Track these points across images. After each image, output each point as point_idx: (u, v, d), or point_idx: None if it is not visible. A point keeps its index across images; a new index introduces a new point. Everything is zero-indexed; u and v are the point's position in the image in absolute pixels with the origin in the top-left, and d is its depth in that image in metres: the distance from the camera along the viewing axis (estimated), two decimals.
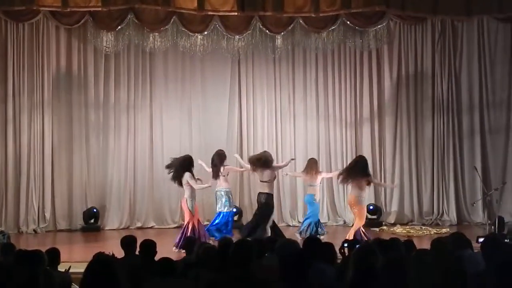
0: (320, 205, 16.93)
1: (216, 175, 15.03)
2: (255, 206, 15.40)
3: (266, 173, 14.71)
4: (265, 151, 15.47)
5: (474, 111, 17.80)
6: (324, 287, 5.66)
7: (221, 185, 15.07)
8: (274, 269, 6.67)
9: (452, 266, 6.47)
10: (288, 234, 14.68)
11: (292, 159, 16.04)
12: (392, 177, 17.74)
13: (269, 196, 14.77)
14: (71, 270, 8.03)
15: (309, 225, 15.26)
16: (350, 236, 13.59)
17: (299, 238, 14.42)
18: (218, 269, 6.88)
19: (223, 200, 15.07)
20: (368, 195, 14.57)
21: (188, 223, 13.95)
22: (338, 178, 14.49)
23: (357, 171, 14.02)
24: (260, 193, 14.79)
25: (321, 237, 13.83)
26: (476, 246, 8.40)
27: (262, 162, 14.74)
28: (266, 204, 14.71)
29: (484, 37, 17.82)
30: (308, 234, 14.76)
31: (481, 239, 10.28)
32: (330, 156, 17.98)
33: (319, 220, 15.51)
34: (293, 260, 6.07)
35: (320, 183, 15.64)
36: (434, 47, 17.80)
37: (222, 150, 15.37)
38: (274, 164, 15.16)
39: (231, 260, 6.88)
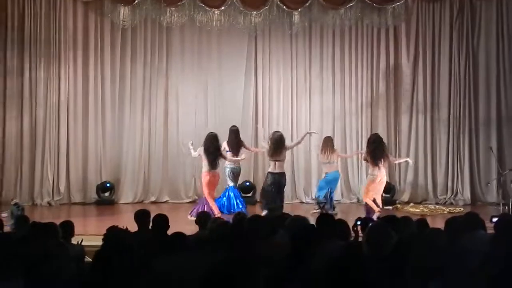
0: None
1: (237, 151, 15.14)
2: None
3: (284, 153, 14.75)
4: (277, 132, 15.35)
5: (491, 91, 17.68)
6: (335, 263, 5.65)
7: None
8: (285, 246, 6.69)
9: (465, 246, 6.44)
10: (301, 211, 14.76)
11: (309, 133, 15.97)
12: (407, 155, 17.63)
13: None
14: (83, 243, 8.08)
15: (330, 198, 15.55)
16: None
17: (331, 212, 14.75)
18: (230, 246, 6.89)
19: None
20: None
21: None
22: (366, 160, 14.60)
23: (383, 150, 14.33)
24: (281, 173, 14.75)
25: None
26: (489, 226, 8.40)
27: (283, 142, 14.71)
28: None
29: (503, 15, 17.66)
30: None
31: (495, 219, 10.25)
32: (345, 133, 17.95)
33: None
34: (304, 235, 6.06)
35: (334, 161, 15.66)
36: (452, 25, 17.68)
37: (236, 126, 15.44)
38: (288, 143, 15.16)
39: (241, 236, 6.90)
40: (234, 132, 15.21)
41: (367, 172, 15.73)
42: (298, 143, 15.76)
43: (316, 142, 16.98)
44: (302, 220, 7.60)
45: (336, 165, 15.67)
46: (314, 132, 16.23)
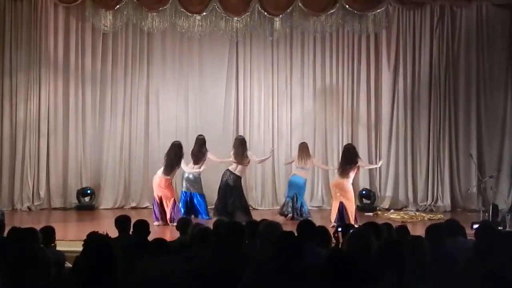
0: (315, 189, 17.11)
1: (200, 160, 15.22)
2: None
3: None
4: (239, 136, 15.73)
5: (471, 97, 17.77)
6: (317, 269, 5.66)
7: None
8: (264, 250, 6.70)
9: (446, 253, 6.47)
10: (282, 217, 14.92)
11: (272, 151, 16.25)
12: (387, 162, 17.73)
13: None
14: (64, 248, 8.05)
15: (302, 205, 15.47)
16: (352, 220, 14.06)
17: (285, 218, 15.02)
18: (212, 250, 6.89)
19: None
20: (360, 179, 14.84)
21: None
22: (339, 172, 14.71)
23: (352, 160, 14.54)
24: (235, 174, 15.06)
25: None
26: (470, 233, 8.45)
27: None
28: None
29: (483, 23, 17.75)
30: (303, 213, 15.36)
31: (475, 226, 10.31)
32: (326, 139, 17.96)
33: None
34: (282, 241, 6.06)
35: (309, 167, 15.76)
36: (433, 32, 17.75)
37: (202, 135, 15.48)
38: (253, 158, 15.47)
39: (224, 241, 6.90)
40: (199, 141, 15.26)
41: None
42: (263, 160, 16.02)
43: (296, 146, 17.00)
44: (276, 225, 7.62)
45: (307, 172, 15.72)
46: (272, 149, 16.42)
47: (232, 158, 15.06)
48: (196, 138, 15.36)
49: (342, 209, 14.36)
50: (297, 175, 15.50)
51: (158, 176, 14.75)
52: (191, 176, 15.27)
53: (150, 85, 17.68)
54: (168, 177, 14.71)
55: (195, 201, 15.36)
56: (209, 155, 15.24)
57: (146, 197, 17.45)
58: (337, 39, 18.06)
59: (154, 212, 14.67)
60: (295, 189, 15.46)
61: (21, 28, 16.68)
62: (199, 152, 15.13)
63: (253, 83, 18.01)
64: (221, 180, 15.11)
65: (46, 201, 16.98)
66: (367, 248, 6.04)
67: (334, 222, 13.95)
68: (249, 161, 15.18)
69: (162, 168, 14.75)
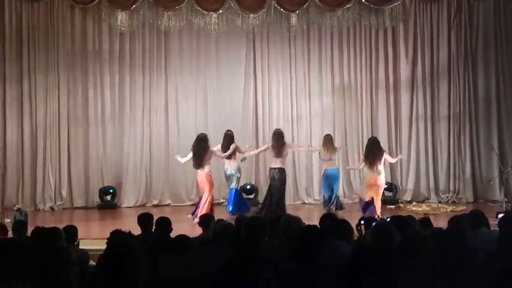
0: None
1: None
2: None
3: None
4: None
5: (491, 89, 17.68)
6: (334, 266, 5.66)
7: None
8: (284, 246, 6.71)
9: (470, 244, 6.43)
10: (304, 211, 14.94)
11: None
12: (408, 155, 17.69)
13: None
14: (87, 247, 8.09)
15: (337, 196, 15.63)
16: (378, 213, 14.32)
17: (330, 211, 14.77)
18: (234, 247, 6.90)
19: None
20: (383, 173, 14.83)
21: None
22: (366, 163, 14.80)
23: (379, 152, 14.74)
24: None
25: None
26: (493, 224, 8.40)
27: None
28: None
29: (501, 14, 17.66)
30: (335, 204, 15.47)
31: (500, 215, 10.27)
32: (346, 134, 17.91)
33: None
34: (303, 236, 6.05)
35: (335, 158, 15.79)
36: (450, 25, 17.67)
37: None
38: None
39: (242, 237, 6.91)
40: (228, 137, 15.22)
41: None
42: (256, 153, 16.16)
43: (316, 141, 17.03)
44: (296, 220, 7.62)
45: (335, 163, 15.71)
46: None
47: (270, 151, 15.00)
48: (225, 134, 15.30)
49: (371, 203, 14.52)
50: (329, 168, 15.48)
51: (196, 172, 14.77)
52: (227, 172, 15.26)
53: (169, 83, 17.73)
54: (199, 170, 14.61)
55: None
56: (242, 148, 15.35)
57: (167, 194, 17.55)
58: (354, 34, 18.03)
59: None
60: (332, 182, 15.47)
61: (38, 31, 16.79)
62: (227, 147, 15.07)
63: (271, 80, 18.01)
64: (272, 181, 14.98)
65: (68, 200, 17.09)
66: (390, 241, 6.02)
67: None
68: (287, 154, 15.16)
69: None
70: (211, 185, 14.71)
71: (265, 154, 15.92)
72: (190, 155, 14.71)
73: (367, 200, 14.68)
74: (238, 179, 15.16)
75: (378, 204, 14.66)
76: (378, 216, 13.62)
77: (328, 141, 15.46)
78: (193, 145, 14.68)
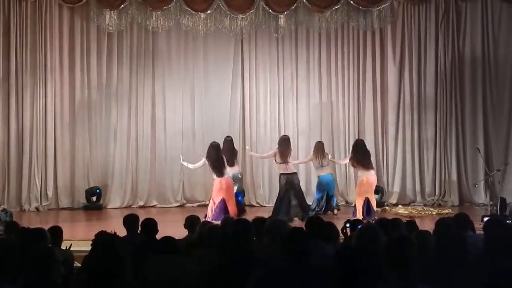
0: None
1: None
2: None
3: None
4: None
5: (477, 91, 17.74)
6: (323, 266, 5.66)
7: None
8: (271, 248, 6.70)
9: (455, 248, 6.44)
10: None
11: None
12: (394, 157, 17.75)
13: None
14: (72, 248, 8.06)
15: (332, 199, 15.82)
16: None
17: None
18: (222, 249, 6.89)
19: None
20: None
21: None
22: (361, 167, 14.84)
23: (367, 153, 14.94)
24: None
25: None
26: (478, 227, 8.43)
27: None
28: None
29: (488, 17, 17.72)
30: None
31: (486, 219, 10.30)
32: (333, 135, 17.92)
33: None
34: (292, 239, 6.05)
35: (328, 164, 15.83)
36: (438, 27, 17.72)
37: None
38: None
39: (230, 239, 6.90)
40: (228, 143, 15.27)
41: (355, 174, 15.89)
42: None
43: (303, 142, 17.09)
44: (283, 223, 7.61)
45: (329, 168, 15.75)
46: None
47: (277, 158, 15.02)
48: (224, 140, 15.32)
49: (369, 204, 14.59)
50: (323, 174, 15.55)
51: (216, 180, 14.50)
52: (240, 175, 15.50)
53: (156, 84, 17.71)
54: (222, 178, 14.43)
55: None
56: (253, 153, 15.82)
57: (154, 196, 17.53)
58: (342, 35, 18.05)
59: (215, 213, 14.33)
60: (327, 188, 15.61)
61: (26, 29, 16.71)
62: (227, 151, 15.07)
63: (258, 80, 18.01)
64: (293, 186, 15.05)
65: (54, 201, 17.02)
66: (376, 244, 6.03)
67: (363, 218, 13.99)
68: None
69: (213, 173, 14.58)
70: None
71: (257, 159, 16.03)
72: (201, 162, 14.63)
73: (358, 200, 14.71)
74: None
75: (374, 202, 14.84)
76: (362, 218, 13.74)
77: (318, 148, 15.53)
78: (211, 153, 14.47)
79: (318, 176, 15.60)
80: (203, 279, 5.68)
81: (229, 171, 14.78)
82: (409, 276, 5.15)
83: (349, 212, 15.20)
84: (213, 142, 14.68)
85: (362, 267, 5.05)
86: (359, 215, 14.21)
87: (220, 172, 14.35)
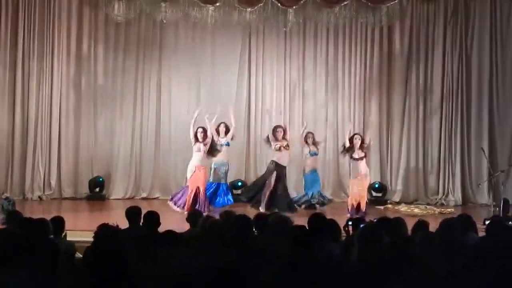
0: (326, 181, 17.10)
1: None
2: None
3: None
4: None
5: (483, 91, 17.73)
6: (331, 265, 5.65)
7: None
8: (274, 244, 6.69)
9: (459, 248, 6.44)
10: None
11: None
12: (399, 155, 17.75)
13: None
14: (74, 238, 8.07)
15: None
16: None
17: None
18: (226, 243, 6.88)
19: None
20: (367, 171, 15.17)
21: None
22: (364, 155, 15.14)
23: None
24: None
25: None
26: (481, 227, 8.41)
27: None
28: None
29: (497, 17, 17.71)
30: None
31: (488, 222, 10.28)
32: (338, 131, 17.91)
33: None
34: (296, 236, 6.05)
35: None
36: (446, 25, 17.71)
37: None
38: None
39: (232, 234, 6.90)
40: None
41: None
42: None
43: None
44: (287, 219, 7.60)
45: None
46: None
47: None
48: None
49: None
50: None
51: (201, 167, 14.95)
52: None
53: (162, 75, 17.69)
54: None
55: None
56: None
57: (157, 188, 17.53)
58: (350, 31, 18.05)
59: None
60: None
61: (34, 17, 16.69)
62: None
63: (265, 74, 18.01)
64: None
65: (57, 190, 17.02)
66: (378, 244, 6.01)
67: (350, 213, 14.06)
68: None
69: None
70: None
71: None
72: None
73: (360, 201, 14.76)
74: None
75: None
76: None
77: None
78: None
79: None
80: (207, 272, 5.66)
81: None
82: (413, 277, 5.15)
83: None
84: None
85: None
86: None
87: (212, 155, 14.87)
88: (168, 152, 17.48)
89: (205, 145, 14.80)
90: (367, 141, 15.34)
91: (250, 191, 15.52)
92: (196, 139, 14.78)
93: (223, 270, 5.20)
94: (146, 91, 17.63)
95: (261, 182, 15.31)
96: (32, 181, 16.72)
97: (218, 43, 17.82)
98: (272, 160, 15.23)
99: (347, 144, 15.00)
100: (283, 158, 15.15)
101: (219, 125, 15.45)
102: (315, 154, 15.83)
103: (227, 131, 15.46)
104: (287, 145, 15.22)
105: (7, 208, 12.22)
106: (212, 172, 15.43)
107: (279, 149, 15.12)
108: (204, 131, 14.86)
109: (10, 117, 16.68)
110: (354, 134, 15.16)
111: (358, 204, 14.69)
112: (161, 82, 17.69)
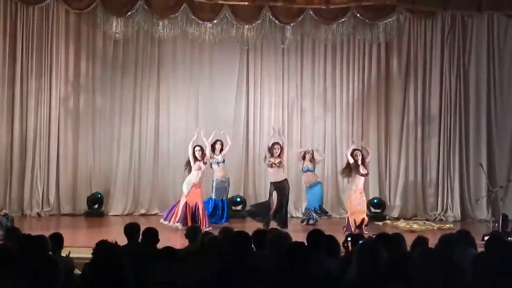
0: (324, 197, 17.10)
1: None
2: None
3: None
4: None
5: (481, 107, 17.78)
6: (328, 280, 5.65)
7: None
8: (273, 260, 6.69)
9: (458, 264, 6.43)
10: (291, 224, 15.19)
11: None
12: (397, 171, 17.76)
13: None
14: (73, 255, 8.05)
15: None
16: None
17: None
18: (224, 259, 6.88)
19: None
20: (363, 187, 15.22)
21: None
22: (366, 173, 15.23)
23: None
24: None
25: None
26: (479, 243, 8.41)
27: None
28: None
29: (494, 34, 17.77)
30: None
31: (487, 237, 10.27)
32: (336, 147, 17.93)
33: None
34: (291, 253, 6.04)
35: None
36: (443, 42, 17.75)
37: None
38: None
39: (231, 249, 6.89)
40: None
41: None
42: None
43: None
44: (285, 236, 7.59)
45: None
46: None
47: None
48: None
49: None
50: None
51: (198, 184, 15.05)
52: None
53: (161, 92, 17.72)
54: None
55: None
56: None
57: (155, 204, 17.50)
58: (348, 48, 18.09)
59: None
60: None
61: (33, 35, 16.71)
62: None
63: (263, 91, 18.05)
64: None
65: (55, 207, 16.98)
66: (377, 259, 6.01)
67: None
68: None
69: None
70: None
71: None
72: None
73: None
74: None
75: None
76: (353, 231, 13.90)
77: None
78: None
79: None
80: (205, 287, 5.67)
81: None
82: None
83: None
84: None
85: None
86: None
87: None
88: (166, 168, 17.49)
89: (205, 163, 14.84)
90: (366, 156, 15.35)
91: (258, 212, 15.49)
92: (195, 158, 14.80)
93: (221, 285, 5.20)
94: (145, 108, 17.65)
95: (266, 205, 15.33)
96: (31, 197, 16.68)
97: (216, 60, 17.86)
98: (271, 182, 15.34)
99: (351, 161, 14.94)
100: (275, 175, 15.23)
101: (215, 143, 15.52)
102: (308, 170, 15.88)
103: (222, 148, 15.49)
104: (280, 163, 15.21)
105: (6, 224, 12.22)
106: (214, 189, 15.51)
107: (271, 166, 15.17)
108: (202, 149, 14.90)
109: (9, 134, 16.68)
110: (354, 150, 15.11)
111: (361, 220, 14.66)
112: (159, 98, 17.71)
